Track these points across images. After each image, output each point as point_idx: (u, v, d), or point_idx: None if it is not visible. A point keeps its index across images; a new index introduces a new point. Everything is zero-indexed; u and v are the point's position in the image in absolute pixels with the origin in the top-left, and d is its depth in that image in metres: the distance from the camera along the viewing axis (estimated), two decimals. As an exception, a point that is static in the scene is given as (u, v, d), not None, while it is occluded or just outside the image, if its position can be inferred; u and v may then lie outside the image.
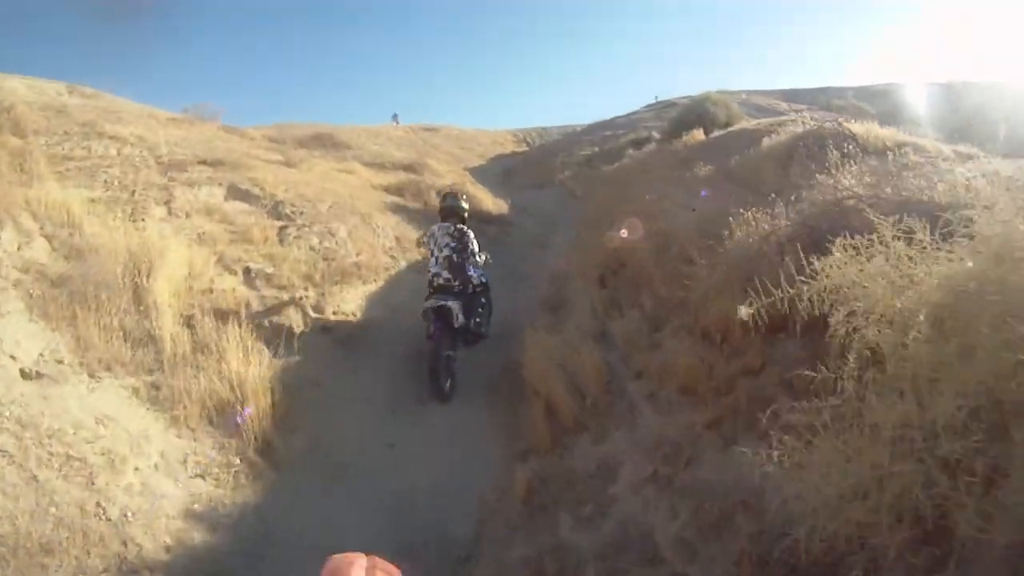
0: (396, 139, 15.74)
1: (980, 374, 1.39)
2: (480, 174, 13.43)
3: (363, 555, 0.60)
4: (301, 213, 5.52)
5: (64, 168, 4.70)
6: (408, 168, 9.66)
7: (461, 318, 4.21)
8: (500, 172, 14.51)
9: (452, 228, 4.61)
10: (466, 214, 4.91)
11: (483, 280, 4.60)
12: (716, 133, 9.20)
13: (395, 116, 19.88)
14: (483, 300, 4.57)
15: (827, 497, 1.52)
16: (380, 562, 0.60)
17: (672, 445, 2.64)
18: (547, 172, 13.44)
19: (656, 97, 17.64)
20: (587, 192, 9.70)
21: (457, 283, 4.39)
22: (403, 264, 5.70)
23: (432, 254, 4.57)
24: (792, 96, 19.01)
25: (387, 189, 8.08)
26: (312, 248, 5.07)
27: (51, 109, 6.19)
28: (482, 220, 7.19)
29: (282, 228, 5.21)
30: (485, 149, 18.11)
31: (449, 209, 4.81)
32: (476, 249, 4.61)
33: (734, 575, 1.91)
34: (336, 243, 5.32)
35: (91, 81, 8.71)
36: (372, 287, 5.09)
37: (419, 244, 5.19)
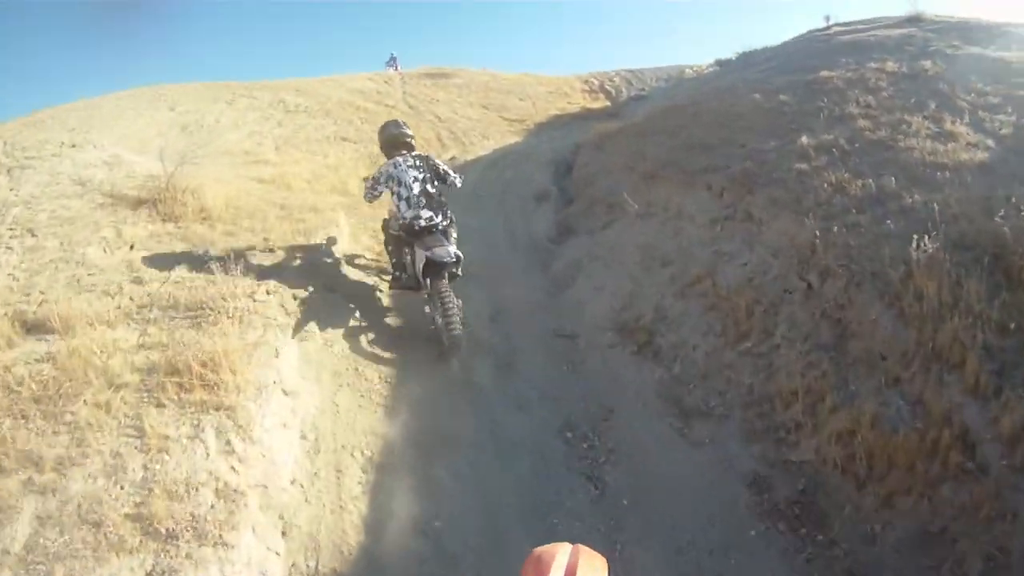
0: (339, 101, 10.19)
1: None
2: (495, 201, 6.64)
3: (568, 544, 0.67)
4: None
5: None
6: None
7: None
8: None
9: (412, 160, 4.07)
10: (413, 141, 4.34)
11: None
12: None
13: (392, 59, 14.14)
14: (454, 233, 4.03)
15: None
16: (585, 549, 0.66)
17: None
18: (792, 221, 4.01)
19: (827, 18, 9.86)
20: None
21: (439, 219, 3.90)
22: None
23: (398, 197, 3.94)
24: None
25: None
26: None
27: None
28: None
29: None
30: (528, 110, 11.20)
31: (395, 140, 4.22)
32: (449, 170, 4.12)
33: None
34: None
35: None
36: None
37: (370, 197, 4.13)
